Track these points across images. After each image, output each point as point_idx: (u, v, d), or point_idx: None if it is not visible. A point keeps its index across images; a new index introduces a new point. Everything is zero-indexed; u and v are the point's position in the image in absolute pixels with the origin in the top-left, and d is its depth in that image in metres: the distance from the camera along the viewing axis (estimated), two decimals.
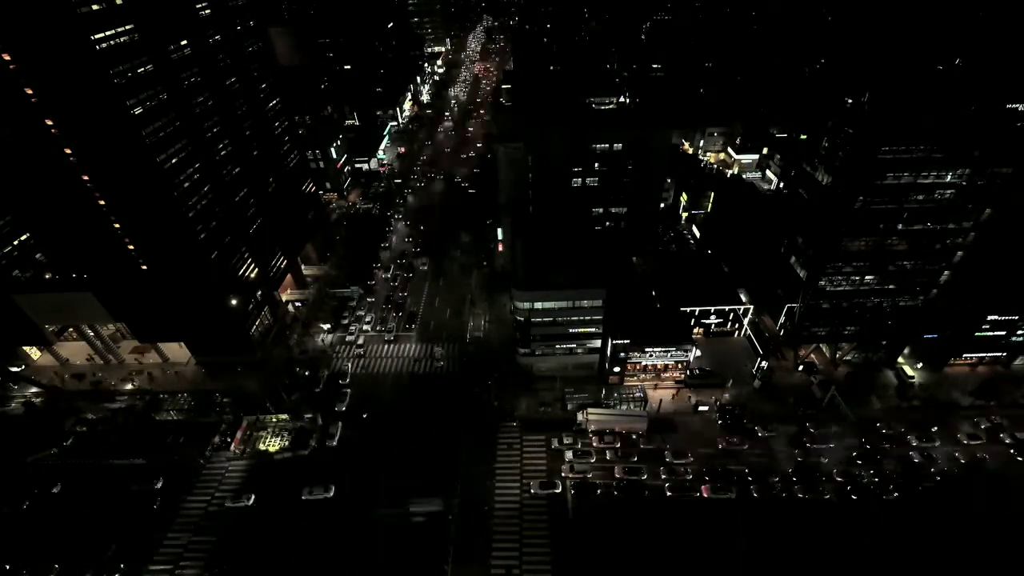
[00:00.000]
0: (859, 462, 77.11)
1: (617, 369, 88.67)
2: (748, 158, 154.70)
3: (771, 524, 69.67)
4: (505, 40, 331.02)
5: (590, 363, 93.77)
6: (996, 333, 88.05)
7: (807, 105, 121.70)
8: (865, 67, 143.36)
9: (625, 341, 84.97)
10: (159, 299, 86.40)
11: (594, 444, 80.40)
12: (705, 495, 73.04)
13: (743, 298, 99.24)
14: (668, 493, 73.62)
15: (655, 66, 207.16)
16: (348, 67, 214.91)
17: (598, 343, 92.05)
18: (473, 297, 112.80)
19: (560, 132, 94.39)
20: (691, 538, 68.39)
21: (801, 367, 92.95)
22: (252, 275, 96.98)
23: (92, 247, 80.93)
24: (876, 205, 76.58)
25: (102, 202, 75.50)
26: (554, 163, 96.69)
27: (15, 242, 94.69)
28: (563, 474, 76.56)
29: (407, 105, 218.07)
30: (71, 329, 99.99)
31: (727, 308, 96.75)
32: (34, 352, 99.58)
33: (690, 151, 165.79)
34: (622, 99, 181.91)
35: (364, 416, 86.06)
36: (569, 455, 79.00)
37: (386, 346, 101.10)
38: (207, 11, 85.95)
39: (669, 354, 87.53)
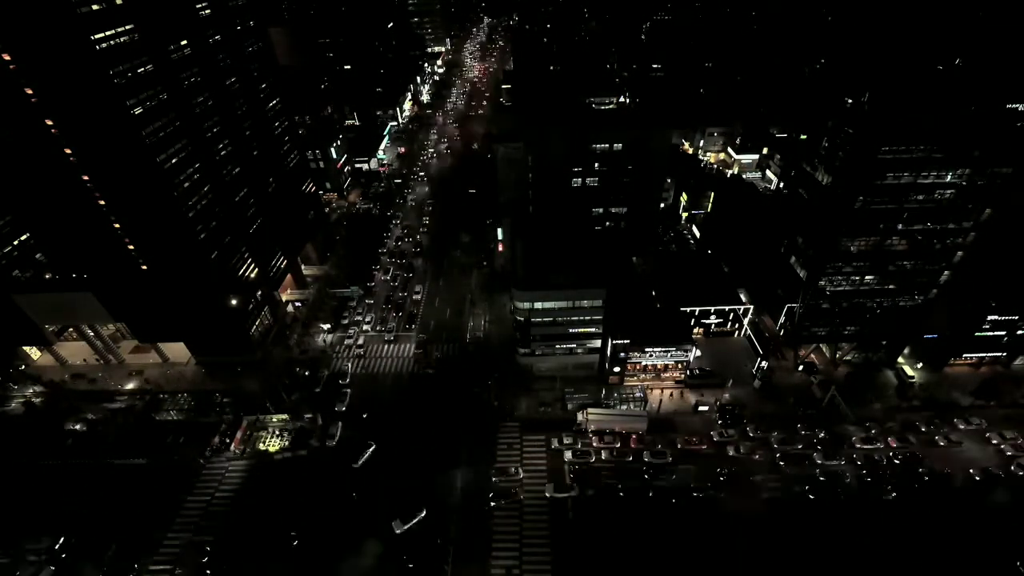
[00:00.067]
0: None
1: (617, 369, 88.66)
2: (748, 158, 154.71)
3: (771, 524, 69.80)
4: (505, 40, 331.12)
5: (590, 363, 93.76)
6: (996, 333, 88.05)
7: (807, 105, 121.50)
8: (865, 67, 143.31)
9: (625, 341, 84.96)
10: (159, 299, 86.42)
11: (594, 444, 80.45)
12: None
13: (743, 298, 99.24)
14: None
15: (655, 66, 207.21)
16: (348, 67, 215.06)
17: (598, 343, 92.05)
18: (473, 297, 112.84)
19: (560, 132, 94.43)
20: (691, 538, 68.38)
21: (801, 367, 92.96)
22: (252, 275, 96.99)
23: (92, 247, 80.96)
24: (876, 205, 76.58)
25: (102, 202, 75.52)
26: (554, 163, 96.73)
27: (15, 242, 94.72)
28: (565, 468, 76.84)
29: (407, 105, 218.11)
30: (71, 329, 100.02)
31: (727, 308, 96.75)
32: (34, 352, 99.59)
33: (690, 151, 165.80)
34: (622, 99, 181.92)
35: (364, 416, 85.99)
36: (569, 455, 79.03)
37: (386, 346, 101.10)
38: (207, 11, 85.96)
39: (669, 354, 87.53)
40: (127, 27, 68.08)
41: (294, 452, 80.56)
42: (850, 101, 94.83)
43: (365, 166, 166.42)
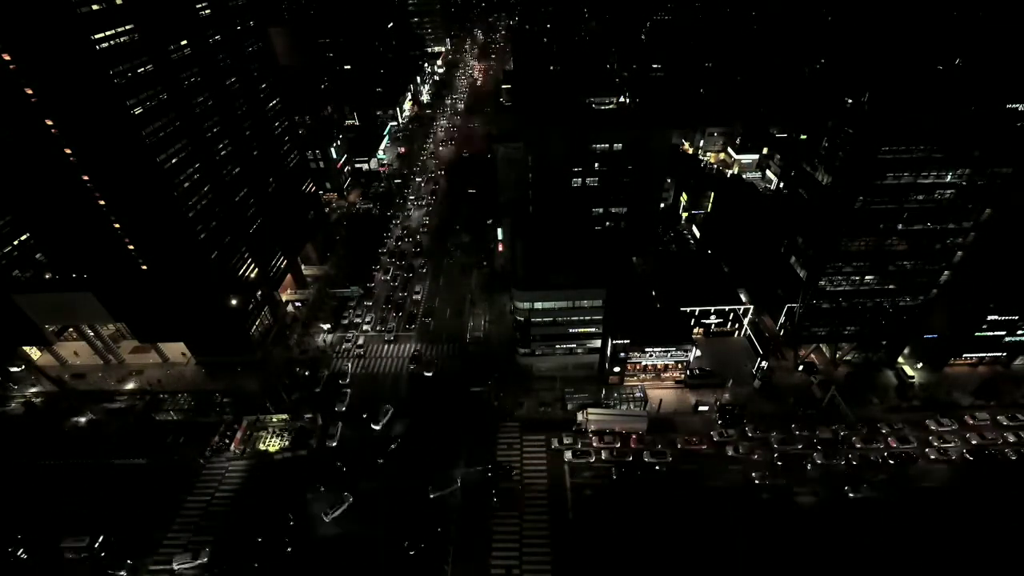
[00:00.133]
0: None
1: (617, 369, 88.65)
2: (748, 158, 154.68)
3: (770, 524, 69.83)
4: (505, 40, 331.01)
5: (590, 363, 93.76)
6: (996, 333, 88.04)
7: (807, 105, 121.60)
8: (865, 67, 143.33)
9: (625, 341, 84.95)
10: (159, 299, 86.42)
11: (594, 444, 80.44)
12: None
13: (743, 298, 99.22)
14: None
15: (655, 66, 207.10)
16: (348, 67, 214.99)
17: (598, 343, 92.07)
18: (473, 297, 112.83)
19: (560, 132, 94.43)
20: (691, 537, 68.39)
21: (801, 367, 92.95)
22: (252, 275, 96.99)
23: (92, 247, 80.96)
24: (876, 205, 76.60)
25: (102, 202, 75.53)
26: (554, 163, 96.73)
27: (15, 242, 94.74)
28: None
29: (407, 105, 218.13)
30: (71, 329, 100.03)
31: (727, 308, 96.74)
32: (34, 352, 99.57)
33: (690, 151, 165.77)
34: (622, 99, 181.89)
35: (364, 416, 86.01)
36: (568, 455, 79.04)
37: (386, 346, 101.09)
38: (207, 11, 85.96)
39: (669, 354, 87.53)
40: (127, 27, 68.09)
41: (294, 452, 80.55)
42: (850, 101, 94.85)
43: (365, 166, 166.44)
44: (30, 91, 65.08)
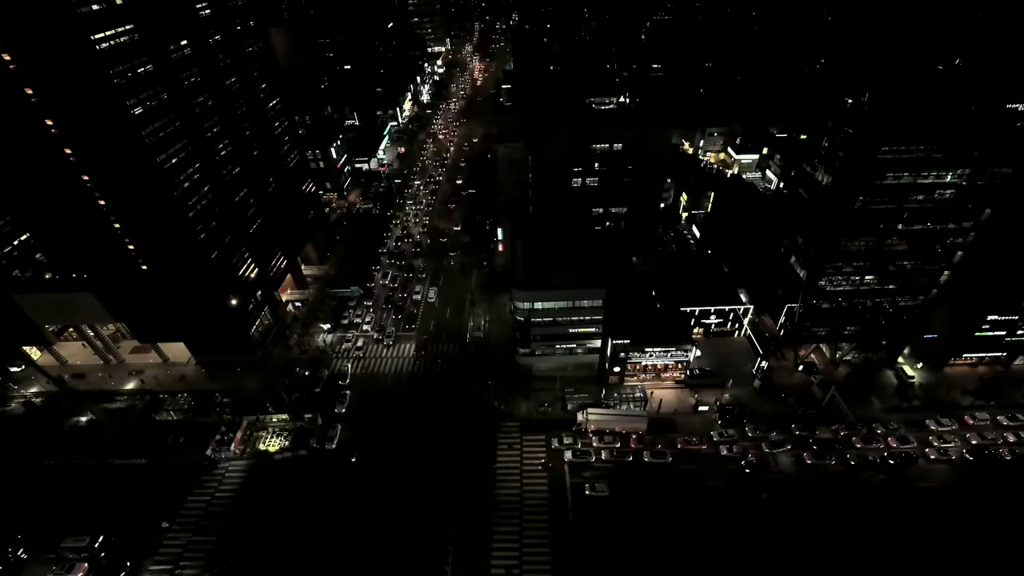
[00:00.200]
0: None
1: (617, 369, 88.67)
2: (748, 158, 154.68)
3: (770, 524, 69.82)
4: (505, 40, 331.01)
5: (590, 363, 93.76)
6: (996, 333, 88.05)
7: (807, 105, 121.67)
8: (865, 67, 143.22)
9: (625, 341, 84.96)
10: (159, 299, 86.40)
11: (594, 444, 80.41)
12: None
13: (743, 298, 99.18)
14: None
15: (655, 66, 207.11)
16: (348, 67, 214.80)
17: (598, 343, 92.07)
18: (473, 297, 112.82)
19: (560, 132, 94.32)
20: (690, 537, 68.40)
21: (801, 367, 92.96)
22: (252, 275, 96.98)
23: (92, 247, 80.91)
24: (876, 205, 76.59)
25: (102, 202, 75.47)
26: (554, 163, 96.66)
27: (15, 242, 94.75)
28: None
29: (407, 105, 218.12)
30: (71, 329, 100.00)
31: (727, 308, 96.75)
32: (34, 352, 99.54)
33: (690, 151, 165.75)
34: (622, 99, 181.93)
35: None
36: (569, 455, 79.03)
37: (385, 350, 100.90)
38: (207, 11, 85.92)
39: (669, 354, 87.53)
40: (127, 27, 68.01)
41: (294, 452, 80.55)
42: (850, 101, 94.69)
43: (365, 166, 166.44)
44: (30, 91, 65.03)
